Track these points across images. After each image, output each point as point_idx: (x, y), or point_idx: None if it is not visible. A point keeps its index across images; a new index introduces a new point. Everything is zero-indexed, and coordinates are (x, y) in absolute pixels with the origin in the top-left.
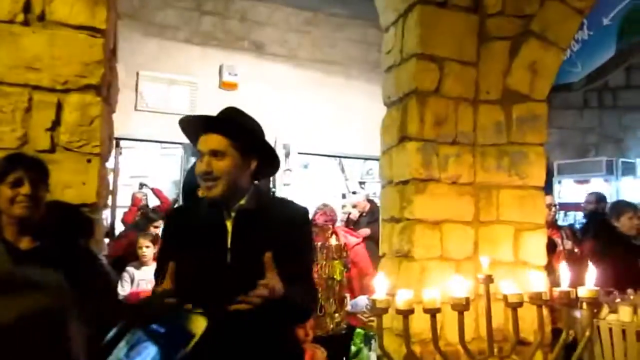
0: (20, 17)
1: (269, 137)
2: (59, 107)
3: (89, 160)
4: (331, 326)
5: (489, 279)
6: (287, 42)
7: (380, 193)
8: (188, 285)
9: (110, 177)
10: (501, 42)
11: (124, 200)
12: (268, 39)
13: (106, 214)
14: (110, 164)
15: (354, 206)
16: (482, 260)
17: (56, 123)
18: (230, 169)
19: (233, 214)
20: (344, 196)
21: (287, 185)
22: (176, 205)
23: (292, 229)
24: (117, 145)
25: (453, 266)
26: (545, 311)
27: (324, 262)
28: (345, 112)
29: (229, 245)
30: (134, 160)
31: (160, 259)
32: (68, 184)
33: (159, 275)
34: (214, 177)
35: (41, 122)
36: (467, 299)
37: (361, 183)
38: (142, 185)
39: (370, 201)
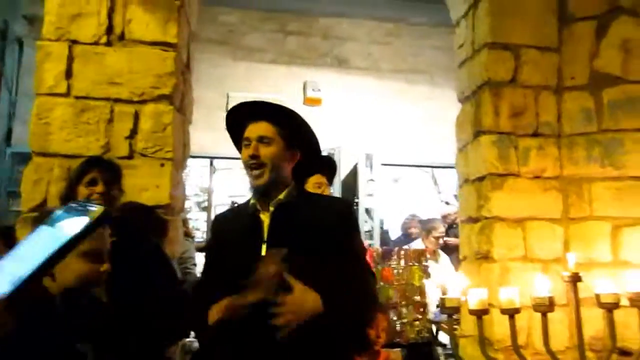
0: (104, 39)
1: (355, 150)
2: (136, 117)
3: (162, 165)
4: (412, 335)
5: (576, 277)
6: (370, 54)
7: (457, 193)
8: (225, 281)
9: (206, 196)
10: (586, 22)
11: None
12: (351, 53)
13: (204, 231)
14: (205, 184)
15: (444, 217)
16: (568, 257)
17: (134, 132)
18: (275, 156)
19: (272, 208)
20: None
21: (370, 195)
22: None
23: (335, 222)
24: (211, 164)
25: (539, 268)
26: None
27: (402, 268)
28: (432, 120)
29: (265, 239)
30: (230, 180)
31: (205, 263)
32: (144, 187)
33: (203, 281)
34: (260, 163)
35: (121, 131)
36: (551, 299)
37: (456, 196)
38: (233, 203)
39: None
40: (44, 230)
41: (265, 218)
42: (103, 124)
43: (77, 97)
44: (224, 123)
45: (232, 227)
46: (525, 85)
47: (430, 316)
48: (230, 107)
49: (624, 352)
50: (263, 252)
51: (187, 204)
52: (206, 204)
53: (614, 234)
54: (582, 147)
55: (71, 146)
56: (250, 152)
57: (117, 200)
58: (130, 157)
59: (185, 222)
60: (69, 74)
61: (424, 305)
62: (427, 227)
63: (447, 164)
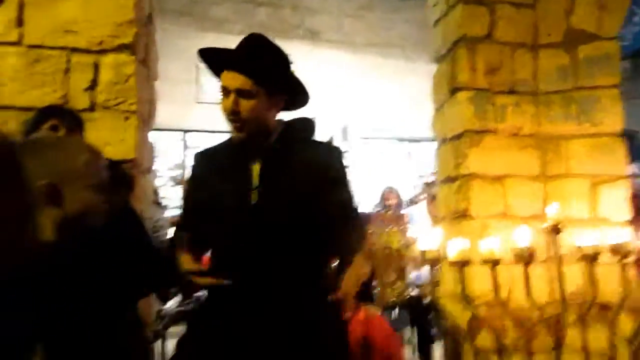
0: None
1: (328, 124)
2: (96, 67)
3: (126, 118)
4: (392, 299)
5: (557, 228)
6: (342, 27)
7: (435, 155)
8: (211, 229)
9: (180, 171)
10: None
11: None
12: (323, 26)
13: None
14: (178, 159)
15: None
16: (549, 208)
17: (94, 83)
18: (257, 110)
19: (261, 154)
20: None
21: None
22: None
23: (325, 166)
24: (184, 138)
25: (518, 224)
26: (633, 271)
27: (380, 231)
28: (407, 94)
29: (254, 185)
30: None
31: (184, 201)
32: (107, 141)
33: (182, 220)
34: (241, 118)
35: (80, 82)
36: (532, 249)
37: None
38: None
39: None
40: None
41: (253, 165)
42: (60, 74)
43: (29, 46)
44: (195, 97)
45: (213, 171)
46: (500, 42)
47: (411, 279)
48: (200, 79)
49: (604, 307)
50: (253, 199)
51: (161, 180)
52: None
53: (592, 191)
54: (558, 105)
55: (26, 98)
56: (229, 107)
57: None
58: (91, 109)
59: (155, 191)
60: (20, 21)
61: (403, 269)
62: (432, 191)
63: (421, 137)
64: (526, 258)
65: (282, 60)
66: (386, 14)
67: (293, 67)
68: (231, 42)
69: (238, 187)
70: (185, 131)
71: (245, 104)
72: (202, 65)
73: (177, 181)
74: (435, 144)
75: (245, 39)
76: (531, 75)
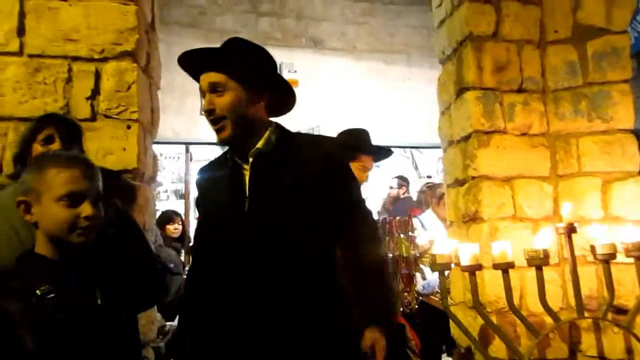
0: None
1: (331, 132)
2: (97, 75)
3: (128, 127)
4: (400, 308)
5: (571, 228)
6: (344, 35)
7: (442, 159)
8: (211, 242)
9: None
10: None
11: None
12: (325, 34)
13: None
14: (182, 171)
15: (430, 187)
16: (563, 207)
17: (95, 92)
18: (233, 105)
19: (251, 159)
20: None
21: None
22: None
23: (323, 167)
24: (187, 150)
25: (530, 227)
26: None
27: (387, 238)
28: (410, 101)
29: (247, 193)
30: None
31: (197, 224)
32: (109, 150)
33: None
34: (218, 117)
35: (81, 91)
36: (546, 252)
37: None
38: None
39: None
40: None
41: (245, 172)
42: (61, 83)
43: (30, 56)
44: (199, 108)
45: (213, 182)
46: (507, 40)
47: (419, 288)
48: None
49: (619, 310)
50: (246, 209)
51: (164, 194)
52: (183, 190)
53: (604, 190)
54: (568, 102)
55: (26, 108)
56: (205, 107)
57: None
58: (92, 119)
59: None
60: (21, 30)
61: (412, 277)
62: (437, 193)
63: (425, 144)
64: (540, 261)
65: (259, 56)
66: (389, 20)
67: (294, 71)
68: None
69: (233, 197)
70: (189, 144)
71: (219, 100)
72: None
73: (180, 195)
74: (439, 151)
75: (223, 43)
76: (539, 72)
